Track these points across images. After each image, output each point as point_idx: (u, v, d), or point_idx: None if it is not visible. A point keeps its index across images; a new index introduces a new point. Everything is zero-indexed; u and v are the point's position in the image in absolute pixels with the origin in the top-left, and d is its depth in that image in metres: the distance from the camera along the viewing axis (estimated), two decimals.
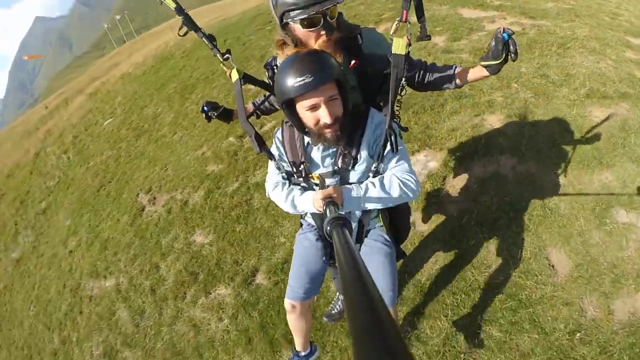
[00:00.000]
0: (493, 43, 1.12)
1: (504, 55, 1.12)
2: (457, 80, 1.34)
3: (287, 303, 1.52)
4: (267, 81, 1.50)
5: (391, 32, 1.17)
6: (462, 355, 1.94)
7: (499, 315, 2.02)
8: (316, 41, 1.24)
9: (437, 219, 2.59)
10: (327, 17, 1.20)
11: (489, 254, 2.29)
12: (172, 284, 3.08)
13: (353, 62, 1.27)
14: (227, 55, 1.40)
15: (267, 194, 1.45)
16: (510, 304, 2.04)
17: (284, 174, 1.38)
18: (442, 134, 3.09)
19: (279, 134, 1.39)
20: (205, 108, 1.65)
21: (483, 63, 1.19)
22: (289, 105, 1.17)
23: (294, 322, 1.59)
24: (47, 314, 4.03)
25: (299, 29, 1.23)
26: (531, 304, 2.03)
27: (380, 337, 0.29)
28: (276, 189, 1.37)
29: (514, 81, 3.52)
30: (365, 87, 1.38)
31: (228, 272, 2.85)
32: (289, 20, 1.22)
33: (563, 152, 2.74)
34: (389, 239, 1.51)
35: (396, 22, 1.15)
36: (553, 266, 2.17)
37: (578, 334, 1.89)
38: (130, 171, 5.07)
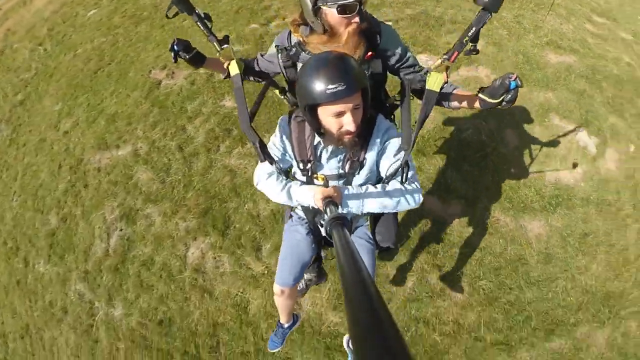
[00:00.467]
0: (498, 83, 1.03)
1: (499, 99, 1.05)
2: (453, 103, 1.28)
3: (277, 288, 1.47)
4: (279, 61, 1.34)
5: (432, 66, 1.11)
6: (449, 181, 2.63)
7: (474, 157, 2.78)
8: (346, 28, 1.17)
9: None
10: (361, 6, 1.15)
11: (466, 123, 2.97)
12: (203, 140, 3.21)
13: (370, 53, 1.24)
14: (225, 44, 1.22)
15: (255, 182, 1.29)
16: (480, 153, 2.79)
17: (280, 173, 1.26)
18: (439, 44, 3.61)
19: (286, 128, 1.26)
20: (175, 47, 1.29)
21: (480, 95, 1.10)
22: (312, 108, 1.07)
23: (282, 303, 1.61)
24: (37, 198, 3.64)
25: (332, 15, 1.15)
26: (492, 153, 2.78)
27: (380, 337, 0.28)
28: (270, 178, 1.25)
29: (496, 20, 4.05)
30: (374, 80, 1.32)
31: (264, 126, 3.06)
32: (324, 5, 1.13)
33: (522, 73, 3.41)
34: (372, 237, 1.49)
35: (442, 58, 1.07)
36: (506, 139, 2.91)
37: (522, 180, 2.68)
38: (134, 53, 4.68)
